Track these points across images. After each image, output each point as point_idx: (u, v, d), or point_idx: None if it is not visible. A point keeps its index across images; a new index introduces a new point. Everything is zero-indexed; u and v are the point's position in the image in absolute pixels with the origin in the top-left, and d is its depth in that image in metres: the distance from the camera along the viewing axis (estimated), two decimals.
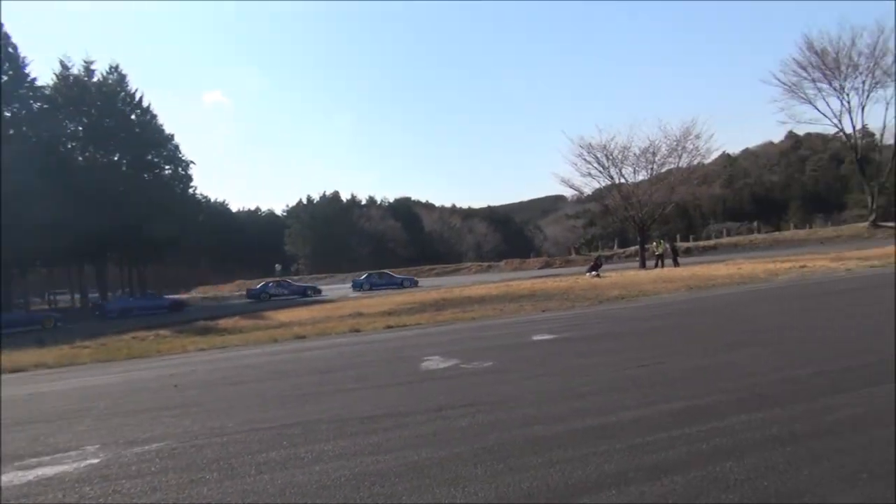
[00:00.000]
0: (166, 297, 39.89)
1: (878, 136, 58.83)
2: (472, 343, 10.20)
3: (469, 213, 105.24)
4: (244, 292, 42.94)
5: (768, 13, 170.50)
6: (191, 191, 53.76)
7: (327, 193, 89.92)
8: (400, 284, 40.74)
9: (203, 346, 13.50)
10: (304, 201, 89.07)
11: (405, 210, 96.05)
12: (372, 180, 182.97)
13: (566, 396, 5.63)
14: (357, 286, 41.24)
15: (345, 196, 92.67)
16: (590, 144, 38.53)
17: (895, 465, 3.38)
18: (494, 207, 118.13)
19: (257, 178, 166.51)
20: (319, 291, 41.17)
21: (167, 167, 50.24)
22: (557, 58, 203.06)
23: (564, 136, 70.61)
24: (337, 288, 46.43)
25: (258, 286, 41.04)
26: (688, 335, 9.21)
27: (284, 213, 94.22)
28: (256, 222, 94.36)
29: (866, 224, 53.26)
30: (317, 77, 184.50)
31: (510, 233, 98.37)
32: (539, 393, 5.85)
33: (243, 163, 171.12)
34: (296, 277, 57.48)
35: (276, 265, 68.56)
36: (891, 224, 53.33)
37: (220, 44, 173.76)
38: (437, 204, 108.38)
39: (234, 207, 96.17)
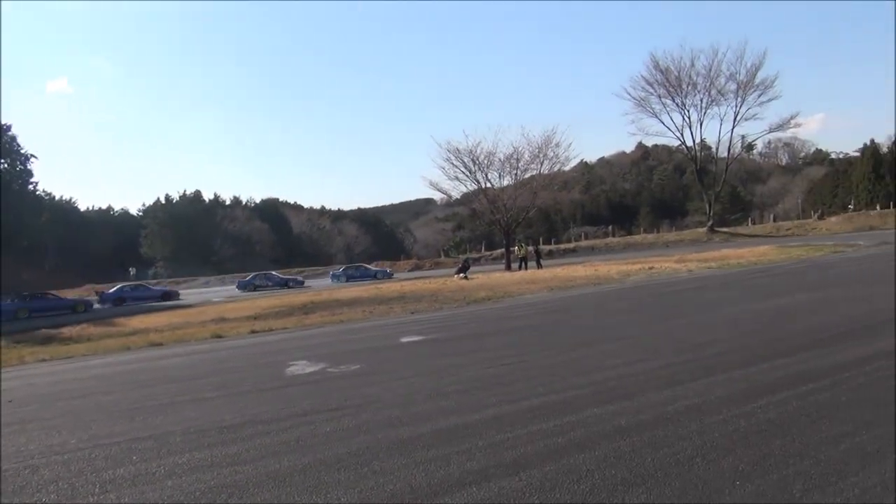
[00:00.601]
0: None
1: (714, 149, 65.04)
2: (340, 346, 10.08)
3: (339, 215, 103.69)
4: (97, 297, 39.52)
5: (623, 29, 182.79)
6: (31, 187, 48.78)
7: (188, 192, 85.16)
8: (374, 276, 41.39)
9: (44, 356, 12.31)
10: (163, 200, 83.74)
11: (272, 211, 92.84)
12: (237, 180, 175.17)
13: (432, 396, 5.71)
14: (335, 279, 41.99)
15: (207, 195, 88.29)
16: (457, 149, 39.31)
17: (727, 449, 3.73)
18: (365, 209, 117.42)
19: (110, 174, 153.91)
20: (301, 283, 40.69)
21: (2, 161, 45.28)
22: (427, 60, 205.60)
23: (433, 140, 71.55)
24: (201, 292, 44.04)
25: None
26: (548, 333, 9.64)
27: (140, 213, 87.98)
28: (109, 222, 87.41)
29: (705, 229, 58.53)
30: (176, 69, 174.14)
31: (381, 235, 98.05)
32: (406, 394, 5.88)
33: (93, 158, 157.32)
34: (153, 282, 53.81)
35: (130, 269, 63.95)
36: (725, 230, 59.04)
37: (66, 31, 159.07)
38: (306, 205, 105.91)
39: (83, 206, 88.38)
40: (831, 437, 3.80)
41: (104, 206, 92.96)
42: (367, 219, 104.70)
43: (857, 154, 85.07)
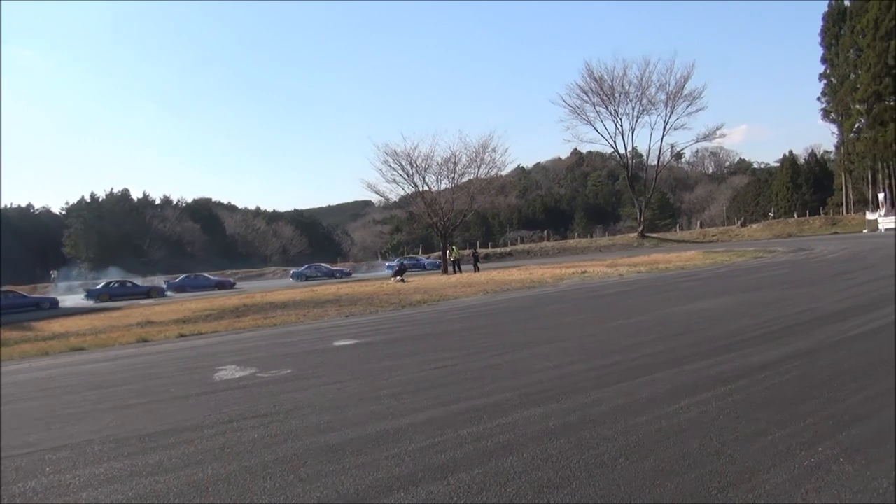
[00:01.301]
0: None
1: (645, 156, 67.30)
2: (271, 350, 9.86)
3: (274, 216, 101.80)
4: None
5: (560, 37, 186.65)
6: None
7: (115, 191, 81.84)
8: (332, 275, 43.99)
9: None
10: (88, 199, 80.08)
11: (205, 211, 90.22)
12: (168, 178, 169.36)
13: (363, 400, 5.66)
14: (297, 277, 44.77)
15: (136, 194, 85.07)
16: (395, 151, 39.25)
17: (649, 449, 3.84)
18: (301, 210, 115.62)
19: (30, 171, 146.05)
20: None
21: None
22: (365, 61, 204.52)
23: (371, 142, 71.38)
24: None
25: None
26: (482, 336, 9.71)
27: (63, 212, 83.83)
28: (29, 221, 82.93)
29: (636, 234, 60.37)
30: (104, 63, 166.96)
31: (317, 237, 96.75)
32: (337, 399, 5.82)
33: (12, 154, 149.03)
34: (77, 283, 51.41)
35: (52, 271, 60.84)
36: (655, 235, 61.00)
37: None
38: (241, 206, 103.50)
39: (0, 204, 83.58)
40: (746, 436, 3.97)
41: (24, 204, 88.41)
42: (303, 220, 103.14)
43: (777, 164, 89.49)
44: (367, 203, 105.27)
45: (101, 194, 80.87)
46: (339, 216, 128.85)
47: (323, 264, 49.70)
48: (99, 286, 38.88)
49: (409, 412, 5.10)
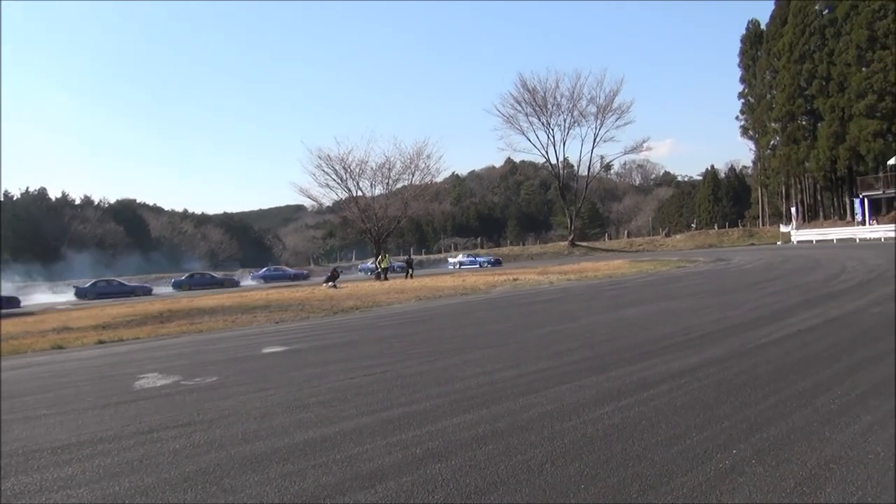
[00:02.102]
0: None
1: (576, 167, 69.11)
2: (197, 357, 9.56)
3: (203, 219, 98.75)
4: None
5: (495, 46, 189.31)
6: None
7: (31, 190, 77.65)
8: (292, 277, 46.14)
9: None
10: (2, 198, 75.56)
11: (129, 213, 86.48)
12: (89, 179, 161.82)
13: (290, 408, 5.55)
14: (256, 279, 46.81)
15: (54, 194, 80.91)
16: (328, 156, 38.97)
17: (574, 454, 3.93)
18: (231, 214, 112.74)
19: None
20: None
21: None
22: (297, 64, 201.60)
23: (304, 146, 70.41)
24: (45, 299, 40.19)
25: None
26: (413, 343, 9.71)
27: None
28: None
29: (567, 243, 61.81)
30: (22, 56, 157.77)
31: (248, 241, 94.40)
32: (263, 407, 5.68)
33: None
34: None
35: None
36: (585, 244, 62.58)
37: None
38: (167, 208, 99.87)
39: None
40: (666, 440, 4.11)
41: None
42: (233, 224, 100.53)
43: (700, 178, 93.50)
44: (300, 208, 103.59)
45: (16, 193, 76.68)
46: (271, 220, 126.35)
47: (284, 267, 53.04)
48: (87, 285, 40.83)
49: (338, 420, 5.04)
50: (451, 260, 51.77)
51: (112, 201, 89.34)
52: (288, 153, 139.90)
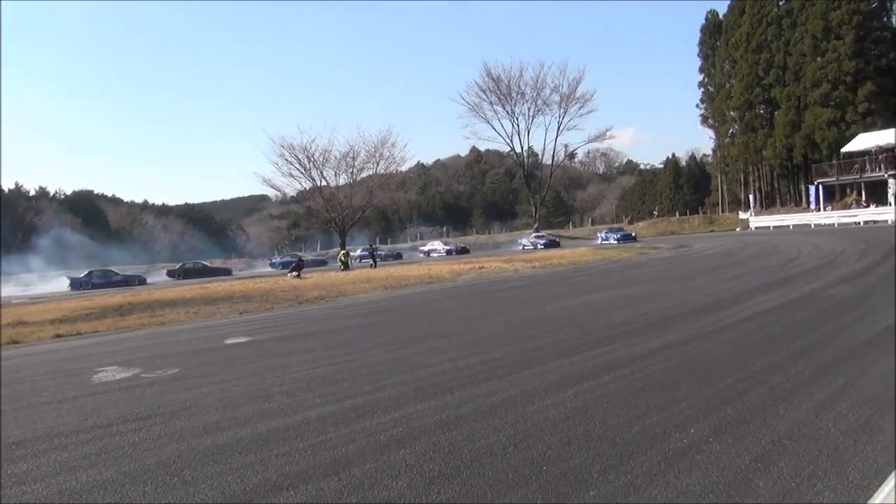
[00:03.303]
0: None
1: (540, 156, 69.59)
2: (158, 350, 9.38)
3: (163, 210, 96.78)
4: None
5: (460, 35, 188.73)
6: None
7: None
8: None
9: None
10: None
11: (86, 204, 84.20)
12: (45, 169, 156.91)
13: (253, 399, 5.50)
14: (274, 265, 46.15)
15: (7, 185, 78.42)
16: (291, 145, 38.48)
17: (536, 438, 3.98)
18: (193, 205, 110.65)
19: None
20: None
21: None
22: (259, 50, 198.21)
23: (265, 135, 69.43)
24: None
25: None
26: (378, 332, 9.69)
27: None
28: None
29: (532, 231, 62.19)
30: None
31: (211, 232, 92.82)
32: (225, 398, 5.62)
33: None
34: None
35: None
36: (550, 232, 63.02)
37: None
38: (126, 199, 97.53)
39: None
40: (626, 421, 4.18)
41: None
42: (194, 215, 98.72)
43: (661, 166, 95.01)
44: (264, 198, 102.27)
45: None
46: (234, 211, 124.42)
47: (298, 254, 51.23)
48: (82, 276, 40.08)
49: (301, 409, 5.01)
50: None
51: (68, 192, 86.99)
52: (252, 143, 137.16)
